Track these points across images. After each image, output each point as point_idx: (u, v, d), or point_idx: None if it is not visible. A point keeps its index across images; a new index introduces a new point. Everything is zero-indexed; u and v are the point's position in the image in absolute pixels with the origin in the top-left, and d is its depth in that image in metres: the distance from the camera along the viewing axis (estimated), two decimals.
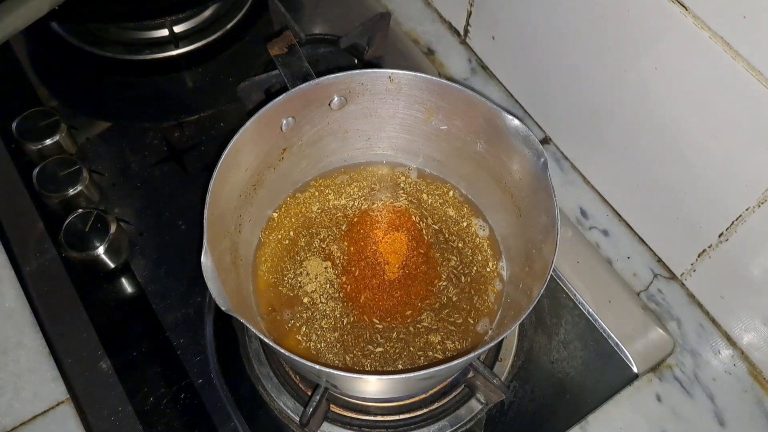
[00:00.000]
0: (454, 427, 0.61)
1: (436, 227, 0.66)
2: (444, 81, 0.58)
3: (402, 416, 0.61)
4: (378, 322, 0.61)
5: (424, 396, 0.62)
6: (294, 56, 0.64)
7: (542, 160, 0.54)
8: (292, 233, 0.65)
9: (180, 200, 0.73)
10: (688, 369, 0.66)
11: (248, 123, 0.55)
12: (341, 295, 0.62)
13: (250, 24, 0.88)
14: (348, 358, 0.59)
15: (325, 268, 0.63)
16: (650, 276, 0.71)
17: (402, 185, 0.69)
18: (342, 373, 0.48)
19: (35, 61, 0.85)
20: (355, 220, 0.66)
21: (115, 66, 0.84)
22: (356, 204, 0.68)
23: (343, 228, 0.66)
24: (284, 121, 0.59)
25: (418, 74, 0.59)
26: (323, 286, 0.62)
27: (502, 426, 0.62)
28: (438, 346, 0.60)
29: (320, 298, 0.62)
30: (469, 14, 0.82)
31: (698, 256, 0.65)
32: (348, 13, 0.89)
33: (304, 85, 0.57)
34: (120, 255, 0.68)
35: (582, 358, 0.65)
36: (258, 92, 0.73)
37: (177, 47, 0.85)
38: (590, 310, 0.68)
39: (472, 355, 0.48)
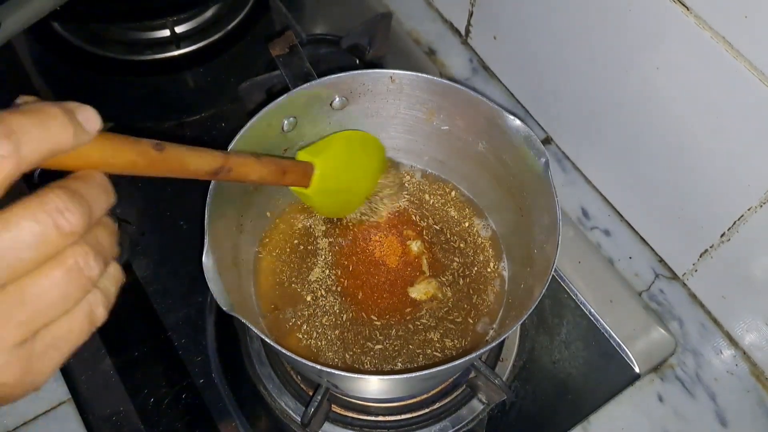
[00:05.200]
0: (456, 428, 0.61)
1: (438, 227, 0.66)
2: (445, 81, 0.58)
3: (403, 416, 0.61)
4: (376, 318, 0.61)
5: (425, 396, 0.62)
6: (295, 56, 0.64)
7: (544, 160, 0.54)
8: (293, 233, 0.65)
9: (181, 200, 0.73)
10: (689, 369, 0.66)
11: (249, 123, 0.55)
12: (342, 293, 0.62)
13: (251, 24, 0.88)
14: (347, 356, 0.59)
15: (327, 268, 0.63)
16: (652, 276, 0.71)
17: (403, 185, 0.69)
18: (343, 373, 0.47)
19: (37, 61, 0.85)
20: (356, 219, 0.66)
21: (117, 66, 0.84)
22: None
23: (344, 228, 0.66)
24: (285, 122, 0.59)
25: (420, 74, 0.58)
26: (324, 285, 0.62)
27: (504, 426, 0.62)
28: (437, 344, 0.60)
29: (322, 296, 0.62)
30: (471, 14, 0.82)
31: (700, 256, 0.65)
32: (349, 13, 0.89)
33: (305, 85, 0.57)
34: (121, 255, 0.68)
35: (584, 358, 0.65)
36: (259, 92, 0.73)
37: (178, 47, 0.85)
38: (592, 310, 0.68)
39: (473, 355, 0.48)
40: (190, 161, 0.38)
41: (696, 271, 0.67)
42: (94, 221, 0.28)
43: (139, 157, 0.34)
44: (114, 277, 0.30)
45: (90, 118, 0.28)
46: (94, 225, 0.28)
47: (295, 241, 0.65)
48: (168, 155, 0.35)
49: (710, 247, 0.64)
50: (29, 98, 0.29)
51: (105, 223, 0.29)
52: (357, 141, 0.61)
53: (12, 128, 0.24)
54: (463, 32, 0.86)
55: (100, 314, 0.29)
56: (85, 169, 0.29)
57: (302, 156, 0.55)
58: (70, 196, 0.27)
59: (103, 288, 0.29)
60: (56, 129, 0.26)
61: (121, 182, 0.81)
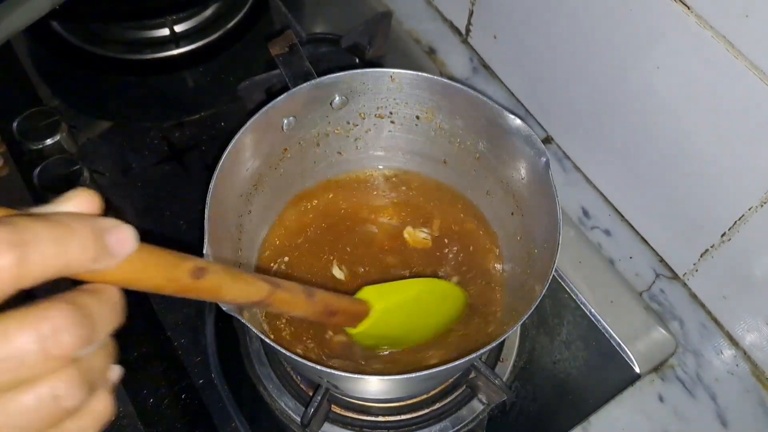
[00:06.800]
0: (456, 428, 0.61)
1: (438, 228, 0.66)
2: (445, 80, 0.58)
3: (403, 417, 0.61)
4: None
5: (425, 396, 0.62)
6: (295, 56, 0.64)
7: (544, 159, 0.54)
8: (292, 233, 0.65)
9: (181, 200, 0.73)
10: (690, 369, 0.66)
11: (249, 122, 0.54)
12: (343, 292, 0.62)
13: (251, 23, 0.88)
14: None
15: (326, 268, 0.63)
16: (652, 276, 0.71)
17: (403, 185, 0.69)
18: (343, 374, 0.47)
19: (36, 60, 0.85)
20: (357, 219, 0.66)
21: (116, 65, 0.84)
22: (358, 203, 0.67)
23: (345, 228, 0.66)
24: (285, 121, 0.59)
25: (420, 73, 0.58)
26: (324, 286, 0.62)
27: (504, 426, 0.62)
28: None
29: None
30: (471, 13, 0.82)
31: (701, 256, 0.65)
32: (349, 12, 0.89)
33: (305, 84, 0.57)
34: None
35: (584, 359, 0.65)
36: (259, 92, 0.73)
37: (178, 47, 0.85)
38: (592, 310, 0.68)
39: (473, 355, 0.48)
40: (227, 292, 0.33)
41: (697, 271, 0.67)
42: (93, 345, 0.24)
43: (168, 282, 0.30)
44: (97, 413, 0.25)
45: (123, 240, 0.25)
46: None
47: (296, 242, 0.65)
48: (204, 284, 0.31)
49: (711, 246, 0.64)
50: (86, 195, 0.25)
51: (105, 344, 0.25)
52: (438, 292, 0.56)
53: (24, 238, 0.21)
54: (463, 31, 0.86)
55: None
56: (99, 282, 0.26)
57: (366, 293, 0.49)
58: (74, 314, 0.23)
59: (76, 427, 0.24)
60: (74, 249, 0.23)
61: (121, 182, 0.80)
